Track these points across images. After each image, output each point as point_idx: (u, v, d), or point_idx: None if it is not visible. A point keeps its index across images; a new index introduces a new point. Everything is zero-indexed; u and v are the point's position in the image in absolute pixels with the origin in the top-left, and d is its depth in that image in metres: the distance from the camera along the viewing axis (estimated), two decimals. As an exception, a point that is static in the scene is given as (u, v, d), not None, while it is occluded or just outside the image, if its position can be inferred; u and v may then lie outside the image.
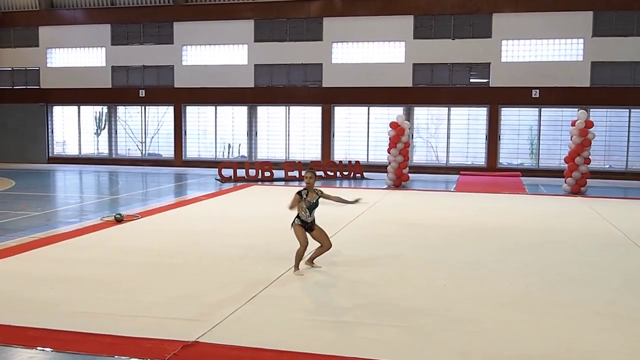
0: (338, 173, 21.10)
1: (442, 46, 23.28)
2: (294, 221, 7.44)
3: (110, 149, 26.92)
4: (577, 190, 16.79)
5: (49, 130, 27.35)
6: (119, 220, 10.57)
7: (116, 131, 26.83)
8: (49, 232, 9.73)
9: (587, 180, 17.06)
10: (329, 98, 24.33)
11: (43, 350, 4.73)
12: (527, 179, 21.23)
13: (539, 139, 23.22)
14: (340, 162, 21.60)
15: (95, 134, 27.19)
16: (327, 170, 21.08)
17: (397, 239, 9.50)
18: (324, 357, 4.61)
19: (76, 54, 26.94)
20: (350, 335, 5.10)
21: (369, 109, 24.35)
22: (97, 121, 27.09)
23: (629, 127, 22.39)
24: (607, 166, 22.65)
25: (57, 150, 27.68)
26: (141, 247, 8.51)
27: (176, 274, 7.09)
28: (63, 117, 27.57)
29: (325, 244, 7.50)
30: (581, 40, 22.30)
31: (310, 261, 7.52)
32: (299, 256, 7.29)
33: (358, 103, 24.23)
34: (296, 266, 7.26)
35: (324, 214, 11.85)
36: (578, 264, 7.91)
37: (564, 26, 22.30)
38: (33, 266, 7.36)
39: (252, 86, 25.01)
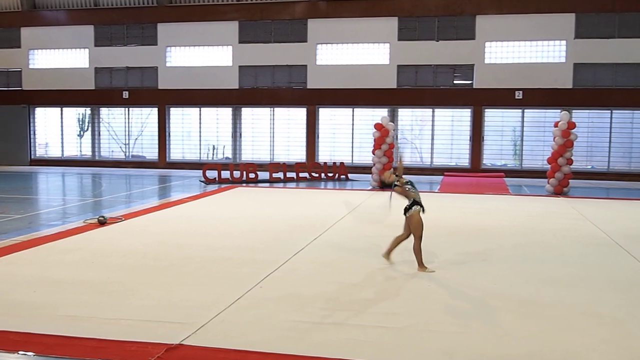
0: (322, 174, 21.11)
1: (426, 48, 23.39)
2: (412, 208, 7.43)
3: (93, 151, 26.75)
4: (559, 191, 16.93)
5: (31, 132, 27.13)
6: (102, 222, 10.49)
7: (99, 133, 26.68)
8: (31, 234, 9.63)
9: (570, 180, 17.22)
10: (314, 99, 24.35)
11: (25, 354, 4.68)
12: (511, 179, 21.38)
13: (522, 140, 23.40)
14: (325, 163, 21.62)
15: (78, 135, 27.01)
16: (311, 172, 21.10)
17: (382, 240, 9.48)
18: (309, 359, 4.61)
19: (59, 55, 26.75)
20: (335, 336, 5.10)
21: (353, 111, 24.40)
22: (80, 123, 26.92)
23: (610, 128, 22.63)
24: (589, 167, 22.87)
25: (40, 152, 27.46)
26: (125, 250, 8.45)
27: (160, 276, 7.05)
28: (45, 119, 27.37)
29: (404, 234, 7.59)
30: (564, 42, 22.51)
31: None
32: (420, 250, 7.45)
33: (342, 104, 24.28)
34: (420, 263, 7.43)
35: (308, 215, 11.88)
36: (561, 264, 7.96)
37: (546, 28, 22.50)
38: (15, 269, 7.28)
39: (237, 87, 24.98)
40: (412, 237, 7.46)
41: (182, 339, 4.93)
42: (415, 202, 7.39)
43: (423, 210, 7.44)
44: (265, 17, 24.57)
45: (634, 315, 5.78)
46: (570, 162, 16.99)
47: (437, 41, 23.37)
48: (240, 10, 24.78)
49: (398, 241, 7.67)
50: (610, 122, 22.63)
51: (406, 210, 7.44)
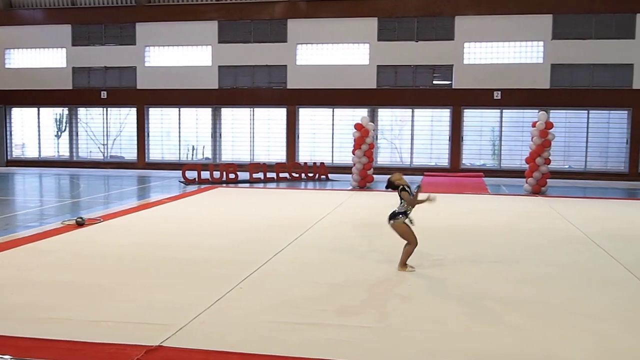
0: (303, 175, 21.10)
1: (406, 48, 23.49)
2: (398, 217, 7.25)
3: (71, 152, 26.48)
4: (537, 190, 17.09)
5: (8, 133, 26.78)
6: (81, 223, 10.38)
7: (77, 133, 26.42)
8: (8, 236, 9.50)
9: (548, 180, 17.39)
10: (294, 99, 24.33)
11: (2, 357, 4.61)
12: (490, 179, 21.53)
13: (500, 140, 23.59)
14: (305, 163, 21.61)
15: (55, 136, 26.72)
16: (292, 172, 21.08)
17: (362, 240, 9.53)
18: (289, 359, 4.60)
19: (36, 55, 26.44)
20: (316, 336, 5.09)
21: (333, 111, 24.43)
22: (58, 123, 26.63)
23: (587, 128, 22.90)
24: (566, 166, 23.12)
25: (16, 153, 27.12)
26: (103, 251, 8.37)
27: (139, 277, 6.99)
28: (22, 119, 27.03)
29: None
30: (541, 43, 22.73)
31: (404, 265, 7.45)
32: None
33: (322, 104, 24.29)
34: (402, 263, 7.40)
35: (289, 216, 11.86)
36: (540, 263, 8.03)
37: (524, 29, 22.71)
38: (-9, 272, 7.17)
39: (217, 88, 24.88)
40: (417, 240, 7.37)
41: (161, 340, 4.89)
42: (404, 213, 7.26)
43: (412, 222, 7.33)
44: (244, 17, 24.50)
45: (613, 313, 5.84)
46: (548, 161, 17.15)
47: (417, 42, 23.48)
48: (219, 10, 24.69)
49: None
50: (587, 122, 22.90)
51: (391, 217, 7.32)
